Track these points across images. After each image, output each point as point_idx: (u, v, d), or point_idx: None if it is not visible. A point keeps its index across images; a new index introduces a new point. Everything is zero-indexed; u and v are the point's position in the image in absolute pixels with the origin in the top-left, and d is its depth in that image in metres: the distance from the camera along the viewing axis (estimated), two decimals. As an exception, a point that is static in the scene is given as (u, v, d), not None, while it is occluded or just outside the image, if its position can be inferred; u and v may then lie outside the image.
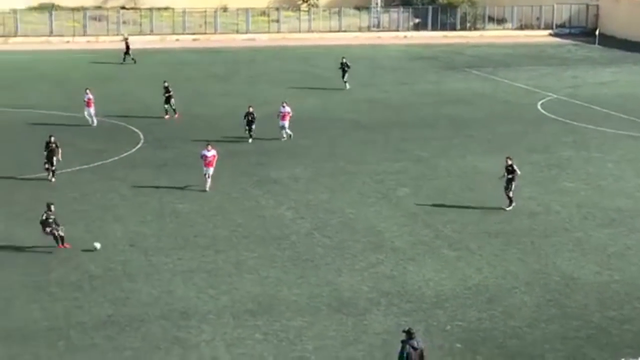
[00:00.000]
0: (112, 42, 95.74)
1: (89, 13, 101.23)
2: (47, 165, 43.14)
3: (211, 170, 41.74)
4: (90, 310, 29.28)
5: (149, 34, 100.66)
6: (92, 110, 55.25)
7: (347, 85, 69.76)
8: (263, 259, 34.16)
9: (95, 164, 47.15)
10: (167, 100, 58.32)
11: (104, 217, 38.57)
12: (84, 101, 55.27)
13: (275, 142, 51.90)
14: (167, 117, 58.03)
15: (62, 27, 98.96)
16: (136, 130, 54.85)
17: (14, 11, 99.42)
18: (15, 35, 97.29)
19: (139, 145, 51.17)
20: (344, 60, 70.36)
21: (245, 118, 51.35)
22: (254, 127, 51.36)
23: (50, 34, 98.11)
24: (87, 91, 55.24)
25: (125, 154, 49.24)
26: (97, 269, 32.78)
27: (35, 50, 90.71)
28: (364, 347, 27.24)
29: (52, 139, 43.38)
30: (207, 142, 42.68)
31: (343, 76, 70.31)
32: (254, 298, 30.52)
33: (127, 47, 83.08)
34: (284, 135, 52.24)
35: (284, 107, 52.24)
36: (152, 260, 33.79)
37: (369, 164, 48.13)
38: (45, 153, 43.33)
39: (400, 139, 53.92)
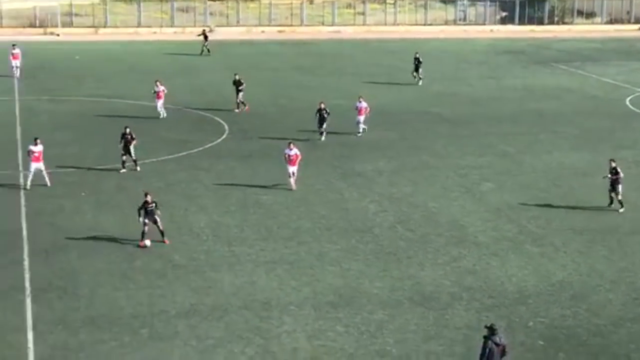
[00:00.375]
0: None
1: (176, 4, 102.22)
2: (124, 157, 43.55)
3: (294, 168, 41.43)
4: (174, 299, 29.60)
5: (235, 26, 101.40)
6: (161, 102, 55.36)
7: (420, 82, 69.09)
8: (345, 251, 34.18)
9: (181, 154, 47.63)
10: (238, 93, 58.21)
11: (188, 207, 38.94)
12: (154, 93, 55.52)
13: (356, 135, 51.82)
14: (237, 110, 58.00)
15: (150, 19, 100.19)
16: (221, 121, 55.27)
17: (104, 2, 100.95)
18: (105, 26, 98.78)
19: (223, 136, 51.55)
20: (417, 55, 69.81)
21: (317, 114, 50.48)
22: (325, 124, 50.25)
23: (139, 25, 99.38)
24: (157, 83, 55.40)
25: (210, 145, 49.65)
26: (180, 258, 33.13)
27: (124, 40, 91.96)
28: (444, 341, 27.11)
29: (128, 130, 43.80)
30: (290, 141, 42.47)
31: (416, 70, 69.77)
32: (335, 290, 30.55)
33: (205, 38, 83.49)
34: (360, 130, 51.99)
35: (360, 102, 52.07)
36: (235, 250, 34.03)
37: (453, 158, 47.85)
38: (120, 144, 43.73)
39: (485, 134, 53.51)
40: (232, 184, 42.04)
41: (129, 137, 43.54)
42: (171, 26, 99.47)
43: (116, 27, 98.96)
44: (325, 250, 34.18)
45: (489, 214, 38.82)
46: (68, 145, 48.50)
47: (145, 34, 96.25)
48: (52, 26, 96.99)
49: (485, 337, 23.29)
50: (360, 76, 72.60)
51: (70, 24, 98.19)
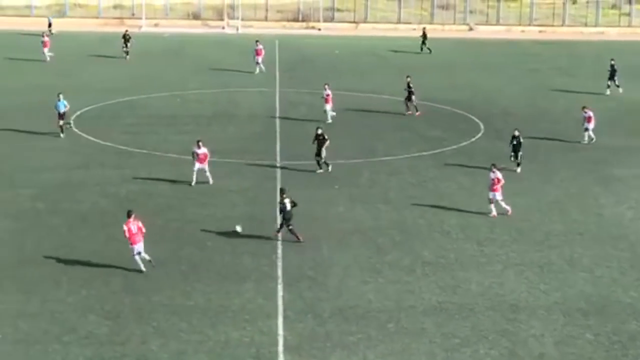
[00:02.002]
0: (457, 32, 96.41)
1: (436, 1, 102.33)
2: (317, 158, 43.35)
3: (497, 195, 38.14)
4: (421, 295, 29.65)
5: (495, 24, 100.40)
6: (329, 106, 53.99)
7: (620, 89, 64.55)
8: (598, 257, 33.21)
9: (434, 151, 47.65)
10: (409, 97, 56.29)
11: (438, 204, 38.88)
12: (323, 97, 54.45)
13: (612, 139, 50.22)
14: (408, 113, 56.40)
15: (410, 15, 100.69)
16: (477, 120, 54.90)
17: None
18: (365, 21, 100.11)
19: (478, 135, 51.17)
20: (612, 63, 65.01)
21: (510, 143, 44.77)
22: (520, 153, 44.30)
23: (398, 21, 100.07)
24: (326, 87, 54.49)
25: (465, 143, 49.41)
26: (430, 255, 33.15)
27: (382, 36, 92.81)
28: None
29: (320, 131, 43.50)
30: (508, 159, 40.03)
31: (611, 78, 64.49)
32: (586, 297, 29.74)
33: (425, 36, 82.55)
34: (585, 139, 49.61)
35: (585, 112, 49.68)
36: (485, 250, 33.73)
37: None
38: (314, 144, 43.65)
39: None
40: (484, 183, 41.47)
41: (321, 137, 43.31)
42: (430, 23, 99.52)
43: (376, 22, 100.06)
44: (577, 256, 33.33)
45: None
46: (324, 138, 49.41)
47: (403, 30, 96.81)
48: (314, 20, 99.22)
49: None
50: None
51: (331, 19, 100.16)
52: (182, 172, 42.03)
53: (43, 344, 25.96)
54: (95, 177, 41.71)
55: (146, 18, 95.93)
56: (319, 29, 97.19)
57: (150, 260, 31.00)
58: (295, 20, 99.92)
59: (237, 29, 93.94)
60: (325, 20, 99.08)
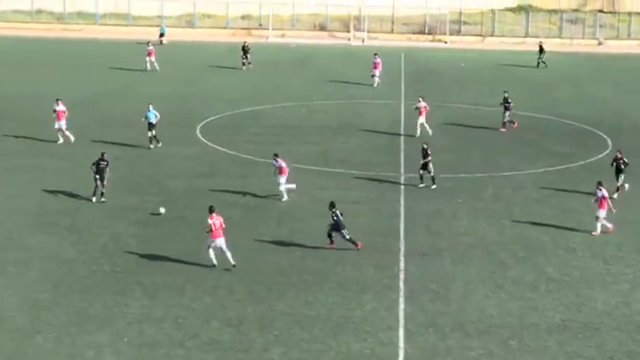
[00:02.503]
0: (586, 46, 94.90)
1: (565, 15, 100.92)
2: (421, 172, 42.68)
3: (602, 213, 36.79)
4: (545, 313, 29.17)
5: (626, 39, 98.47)
6: (421, 119, 52.86)
7: None
8: None
9: (560, 167, 46.91)
10: (506, 110, 54.77)
11: (563, 220, 38.19)
12: (416, 109, 53.50)
13: None
14: (502, 129, 54.95)
15: (538, 29, 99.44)
16: (604, 136, 53.84)
17: (492, 11, 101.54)
18: (492, 35, 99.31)
19: (606, 152, 50.09)
20: None
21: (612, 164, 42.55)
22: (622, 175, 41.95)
23: (526, 35, 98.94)
24: (420, 99, 53.58)
25: (592, 160, 48.50)
26: (554, 271, 32.61)
27: (509, 50, 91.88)
28: None
29: (425, 146, 42.74)
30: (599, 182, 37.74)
31: None
32: None
33: (541, 50, 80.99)
34: None
35: None
36: (611, 269, 33.03)
37: None
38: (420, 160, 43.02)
39: None
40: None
41: (426, 152, 42.50)
42: (559, 37, 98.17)
43: (503, 36, 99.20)
44: None
45: None
46: (448, 151, 49.05)
47: (531, 44, 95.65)
48: (440, 33, 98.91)
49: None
50: None
51: (457, 32, 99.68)
52: (307, 183, 42.30)
53: (166, 348, 26.38)
54: (220, 185, 42.23)
55: (273, 29, 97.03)
56: (445, 42, 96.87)
57: (234, 265, 31.91)
58: (422, 32, 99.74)
59: (363, 41, 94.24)
60: (451, 34, 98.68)
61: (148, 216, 37.74)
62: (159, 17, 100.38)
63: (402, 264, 33.01)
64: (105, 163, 39.49)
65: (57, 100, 49.23)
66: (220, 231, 31.91)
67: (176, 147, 48.57)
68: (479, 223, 37.87)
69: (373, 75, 69.24)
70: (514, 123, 55.00)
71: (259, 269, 32.21)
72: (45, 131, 49.47)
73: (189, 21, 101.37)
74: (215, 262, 32.01)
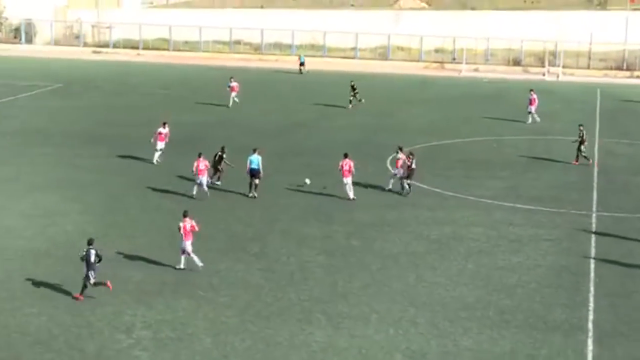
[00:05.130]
0: None
1: None
2: None
3: None
4: None
5: None
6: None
7: None
8: None
9: None
10: (580, 146, 53.07)
11: None
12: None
13: None
14: (575, 162, 53.08)
15: None
16: None
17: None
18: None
19: None
20: None
21: None
22: None
23: None
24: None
25: None
26: None
27: None
28: None
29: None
30: None
31: None
32: None
33: None
34: None
35: None
36: None
37: None
38: None
39: None
40: None
41: None
42: None
43: None
44: None
45: None
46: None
47: None
48: (639, 69, 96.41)
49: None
50: None
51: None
52: (496, 218, 41.88)
53: (349, 378, 26.44)
54: (408, 218, 42.19)
55: (466, 63, 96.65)
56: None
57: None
58: (619, 68, 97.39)
59: (558, 77, 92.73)
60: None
61: (336, 246, 38.03)
62: (353, 49, 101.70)
63: (591, 304, 32.11)
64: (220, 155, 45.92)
65: (164, 123, 51.77)
66: (190, 234, 34.10)
67: (364, 178, 48.81)
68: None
69: (529, 112, 67.60)
70: (577, 160, 53.64)
71: (444, 303, 31.95)
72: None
73: (383, 53, 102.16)
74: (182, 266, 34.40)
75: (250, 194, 44.60)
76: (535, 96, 67.69)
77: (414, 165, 45.88)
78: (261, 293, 32.60)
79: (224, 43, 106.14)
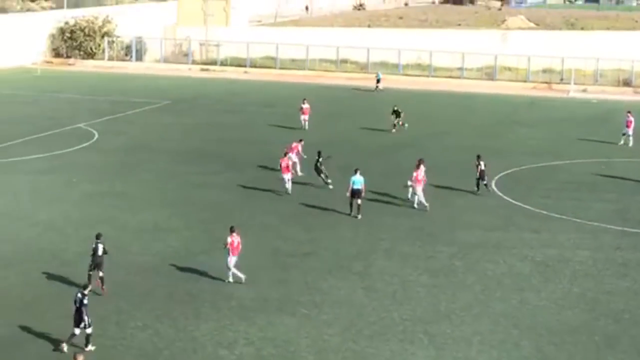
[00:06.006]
0: None
1: None
2: None
3: None
4: None
5: None
6: None
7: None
8: None
9: None
10: None
11: None
12: None
13: None
14: None
15: None
16: None
17: None
18: None
19: None
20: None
21: None
22: None
23: None
24: None
25: None
26: None
27: None
28: None
29: None
30: None
31: None
32: None
33: None
34: None
35: None
36: None
37: None
38: None
39: None
40: None
41: None
42: None
43: None
44: None
45: None
46: None
47: None
48: None
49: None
50: None
51: None
52: (603, 241, 41.27)
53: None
54: (513, 239, 41.80)
55: (575, 83, 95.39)
56: None
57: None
58: None
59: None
60: None
61: (439, 266, 37.88)
62: (460, 69, 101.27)
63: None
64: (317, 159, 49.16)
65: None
66: (237, 250, 34.54)
67: (471, 200, 48.49)
68: None
69: (624, 134, 66.02)
70: None
71: (549, 327, 31.58)
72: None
73: (489, 73, 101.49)
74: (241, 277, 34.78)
75: (352, 214, 44.71)
76: (632, 118, 66.33)
77: (482, 167, 48.94)
78: (364, 312, 32.65)
79: (330, 61, 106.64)
